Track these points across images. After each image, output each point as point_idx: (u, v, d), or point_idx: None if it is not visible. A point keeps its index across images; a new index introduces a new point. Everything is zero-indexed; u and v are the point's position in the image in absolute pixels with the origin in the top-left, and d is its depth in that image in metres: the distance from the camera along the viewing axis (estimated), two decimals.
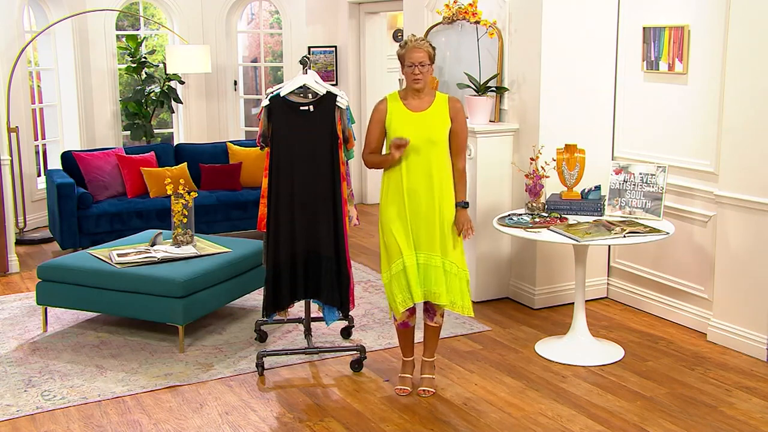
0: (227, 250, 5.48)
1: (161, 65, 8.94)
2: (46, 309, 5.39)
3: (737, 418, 4.08)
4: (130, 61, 8.80)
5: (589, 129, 5.68)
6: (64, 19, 8.23)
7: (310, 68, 4.57)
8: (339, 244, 4.53)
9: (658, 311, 5.57)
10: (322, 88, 4.52)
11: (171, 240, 5.57)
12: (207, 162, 7.97)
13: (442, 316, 4.42)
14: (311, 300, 4.74)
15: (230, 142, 8.22)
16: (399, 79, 4.81)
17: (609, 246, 5.85)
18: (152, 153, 7.85)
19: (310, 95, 4.54)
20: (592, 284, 5.86)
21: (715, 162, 5.04)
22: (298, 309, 5.40)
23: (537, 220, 4.89)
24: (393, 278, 4.25)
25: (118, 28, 9.17)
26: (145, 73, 8.85)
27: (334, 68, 9.22)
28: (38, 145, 8.60)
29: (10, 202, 6.91)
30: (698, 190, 5.17)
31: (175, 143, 8.76)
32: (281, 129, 4.51)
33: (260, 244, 5.29)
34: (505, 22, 5.79)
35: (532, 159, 5.22)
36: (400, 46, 4.25)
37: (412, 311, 4.39)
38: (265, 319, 4.71)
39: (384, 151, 4.34)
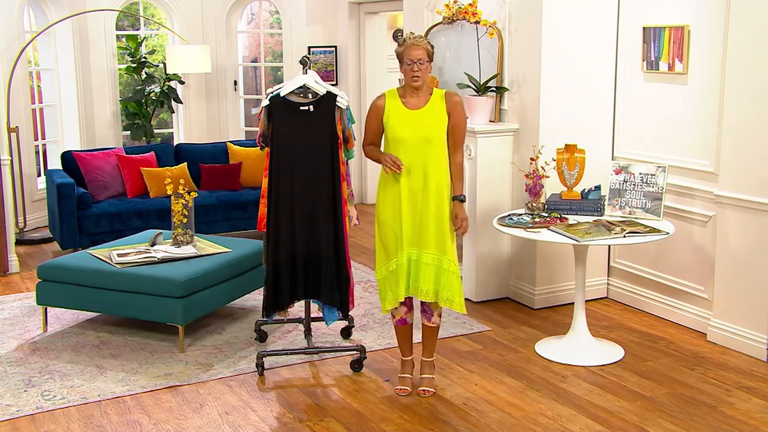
0: (227, 250, 5.48)
1: (161, 65, 8.94)
2: (46, 309, 5.39)
3: (737, 418, 4.08)
4: (130, 61, 8.80)
5: (589, 129, 5.68)
6: (64, 19, 8.23)
7: (310, 68, 4.57)
8: (339, 244, 4.53)
9: (658, 311, 5.56)
10: (322, 88, 4.51)
11: (171, 240, 5.57)
12: (207, 162, 7.97)
13: (440, 317, 4.41)
14: (311, 300, 4.73)
15: (230, 142, 8.22)
16: (399, 79, 4.80)
17: (609, 246, 5.85)
18: (152, 153, 7.85)
19: (310, 95, 4.53)
20: (592, 284, 5.86)
21: (715, 162, 5.04)
22: (298, 309, 5.40)
23: (537, 220, 4.89)
24: (387, 276, 4.27)
25: (118, 28, 9.16)
26: (145, 73, 8.85)
27: (334, 68, 9.21)
28: (38, 145, 8.60)
29: (10, 202, 6.91)
30: (698, 190, 5.17)
31: (175, 143, 8.76)
32: (281, 129, 4.51)
33: (260, 244, 5.29)
34: (505, 22, 5.79)
35: (532, 159, 5.22)
36: (398, 43, 4.24)
37: (409, 308, 4.39)
38: (265, 319, 4.71)
39: (382, 147, 4.34)
